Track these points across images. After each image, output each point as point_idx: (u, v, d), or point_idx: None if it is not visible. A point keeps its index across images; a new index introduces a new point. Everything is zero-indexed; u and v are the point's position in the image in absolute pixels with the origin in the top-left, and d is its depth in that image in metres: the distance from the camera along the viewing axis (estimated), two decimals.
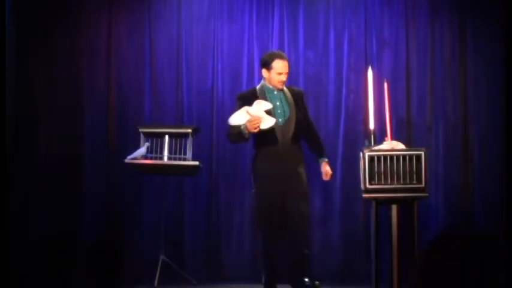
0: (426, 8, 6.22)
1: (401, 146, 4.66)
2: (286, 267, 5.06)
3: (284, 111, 5.07)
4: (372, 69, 4.88)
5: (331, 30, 6.26)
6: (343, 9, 6.26)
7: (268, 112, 4.94)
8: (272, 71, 5.08)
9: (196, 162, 5.72)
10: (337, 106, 6.21)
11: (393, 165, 4.44)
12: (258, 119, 4.88)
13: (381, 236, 4.53)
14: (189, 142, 5.78)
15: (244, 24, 6.31)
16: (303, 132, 5.16)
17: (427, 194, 4.50)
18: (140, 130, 5.81)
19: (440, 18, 6.21)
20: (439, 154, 6.07)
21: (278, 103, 5.08)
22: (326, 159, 5.23)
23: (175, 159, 5.78)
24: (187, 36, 6.31)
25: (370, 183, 4.46)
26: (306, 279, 4.96)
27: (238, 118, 4.95)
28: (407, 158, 4.45)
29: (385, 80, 4.94)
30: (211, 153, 6.20)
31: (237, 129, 4.97)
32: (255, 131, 4.89)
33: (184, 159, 5.76)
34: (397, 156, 4.46)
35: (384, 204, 4.56)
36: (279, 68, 5.07)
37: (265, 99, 5.02)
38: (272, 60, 5.09)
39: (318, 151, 5.26)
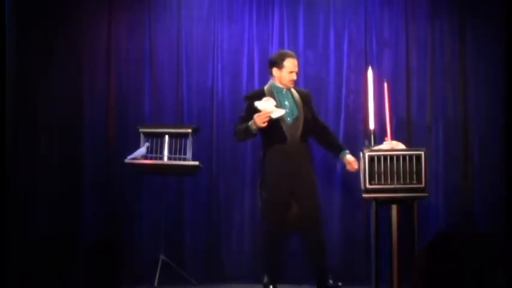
0: (426, 8, 6.22)
1: (401, 146, 4.67)
2: (311, 269, 5.13)
3: (292, 110, 5.10)
4: (372, 69, 4.89)
5: (331, 30, 6.26)
6: (343, 9, 6.26)
7: (276, 107, 4.99)
8: (283, 70, 5.13)
9: (196, 162, 5.72)
10: (337, 106, 6.21)
11: (393, 165, 4.44)
12: (267, 113, 4.90)
13: (381, 236, 4.53)
14: (189, 142, 5.78)
15: (244, 24, 6.31)
16: (311, 132, 5.19)
17: (427, 194, 4.51)
18: (140, 130, 5.81)
19: (440, 18, 6.21)
20: (439, 154, 6.07)
21: (286, 102, 5.12)
22: (347, 151, 5.24)
23: (175, 159, 5.79)
24: (187, 36, 6.31)
25: (370, 183, 4.46)
26: (331, 281, 5.02)
27: (263, 104, 4.97)
28: (407, 158, 4.46)
29: (385, 80, 4.95)
30: (211, 153, 6.20)
31: (244, 126, 5.00)
32: (263, 125, 4.91)
33: (184, 159, 5.76)
34: (397, 156, 4.47)
35: (384, 204, 4.56)
36: (290, 66, 5.14)
37: (273, 98, 5.04)
38: (283, 59, 5.15)
39: (337, 146, 5.28)
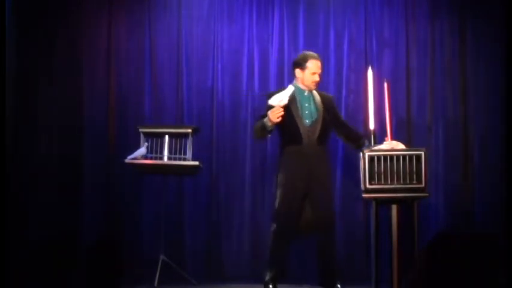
0: (426, 8, 6.22)
1: (401, 146, 4.67)
2: (318, 270, 5.12)
3: (311, 113, 5.11)
4: (372, 69, 4.89)
5: (331, 30, 6.26)
6: (343, 9, 6.26)
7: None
8: (306, 71, 5.13)
9: (196, 162, 5.71)
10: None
11: (393, 165, 4.45)
12: (280, 109, 4.90)
13: (381, 236, 4.54)
14: (189, 142, 5.78)
15: (244, 24, 6.31)
16: (329, 136, 5.19)
17: (427, 194, 4.51)
18: (140, 130, 5.81)
19: (440, 18, 6.21)
20: (439, 154, 6.07)
21: (307, 104, 5.12)
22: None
23: (175, 159, 5.78)
24: (187, 36, 6.31)
25: (370, 183, 4.46)
26: (339, 285, 5.03)
27: (276, 99, 4.98)
28: (407, 158, 4.46)
29: (385, 80, 4.95)
30: (211, 153, 6.20)
31: (260, 123, 5.02)
32: (278, 120, 4.90)
33: (184, 159, 5.76)
34: (397, 156, 4.47)
35: (384, 204, 4.56)
36: (313, 67, 5.13)
37: (295, 99, 5.05)
38: (306, 60, 5.14)
39: (363, 137, 5.20)
